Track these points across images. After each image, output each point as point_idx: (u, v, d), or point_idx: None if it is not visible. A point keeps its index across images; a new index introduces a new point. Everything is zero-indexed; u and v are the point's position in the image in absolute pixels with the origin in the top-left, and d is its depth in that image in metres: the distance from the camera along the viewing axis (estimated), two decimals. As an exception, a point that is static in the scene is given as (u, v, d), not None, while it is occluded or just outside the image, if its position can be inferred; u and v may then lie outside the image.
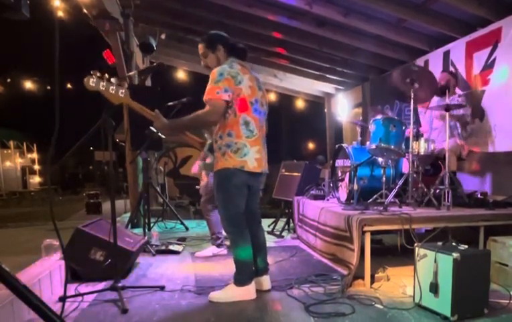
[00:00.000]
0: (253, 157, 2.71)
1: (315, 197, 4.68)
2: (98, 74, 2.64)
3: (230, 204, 2.76)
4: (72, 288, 2.94)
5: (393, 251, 3.80)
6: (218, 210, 2.91)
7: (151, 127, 3.07)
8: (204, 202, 4.26)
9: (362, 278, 3.11)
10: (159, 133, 3.50)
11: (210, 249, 4.22)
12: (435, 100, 4.41)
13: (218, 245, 4.21)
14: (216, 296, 2.79)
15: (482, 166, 4.78)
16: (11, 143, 17.57)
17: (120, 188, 9.89)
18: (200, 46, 2.86)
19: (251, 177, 2.76)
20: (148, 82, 7.08)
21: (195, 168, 4.64)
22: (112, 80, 2.69)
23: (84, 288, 3.01)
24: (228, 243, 3.73)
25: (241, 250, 2.79)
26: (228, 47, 2.81)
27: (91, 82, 2.62)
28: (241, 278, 2.81)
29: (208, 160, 2.95)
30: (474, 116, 4.66)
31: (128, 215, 6.25)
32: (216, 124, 2.71)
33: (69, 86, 18.21)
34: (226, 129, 2.67)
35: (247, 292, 2.80)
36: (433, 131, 4.44)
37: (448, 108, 3.72)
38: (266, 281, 3.01)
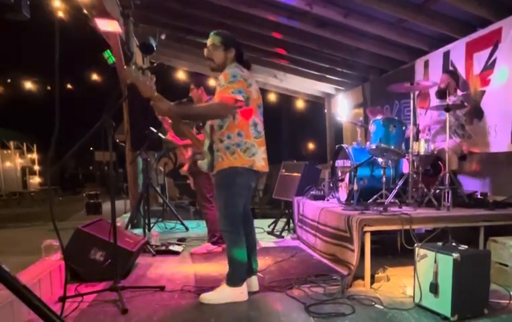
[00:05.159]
0: (261, 157, 2.80)
1: (315, 197, 4.68)
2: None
3: (231, 204, 2.78)
4: (71, 289, 2.94)
5: (393, 251, 3.80)
6: (217, 208, 2.91)
7: (151, 128, 3.07)
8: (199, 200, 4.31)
9: (362, 278, 3.11)
10: (163, 118, 3.62)
11: (205, 246, 4.27)
12: (435, 100, 4.40)
13: (213, 243, 4.24)
14: (208, 297, 2.76)
15: (482, 166, 4.77)
16: (11, 143, 17.53)
17: (120, 189, 9.88)
18: (214, 38, 2.83)
19: (255, 177, 2.84)
20: (148, 83, 7.07)
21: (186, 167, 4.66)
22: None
23: (83, 288, 3.01)
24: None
25: (237, 250, 2.78)
26: (238, 55, 2.89)
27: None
28: (235, 279, 2.79)
29: (205, 160, 2.91)
30: (472, 116, 4.66)
31: (128, 215, 6.24)
32: (222, 118, 2.72)
33: (69, 86, 18.21)
34: (235, 130, 2.73)
35: (239, 294, 2.78)
36: (433, 131, 4.44)
37: (448, 108, 3.71)
38: (255, 282, 3.01)
